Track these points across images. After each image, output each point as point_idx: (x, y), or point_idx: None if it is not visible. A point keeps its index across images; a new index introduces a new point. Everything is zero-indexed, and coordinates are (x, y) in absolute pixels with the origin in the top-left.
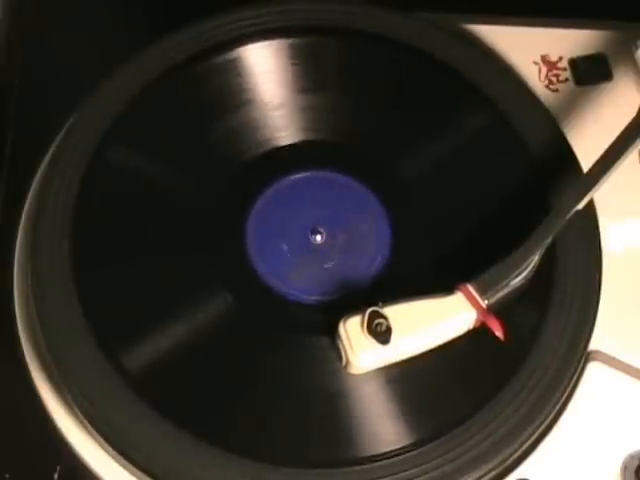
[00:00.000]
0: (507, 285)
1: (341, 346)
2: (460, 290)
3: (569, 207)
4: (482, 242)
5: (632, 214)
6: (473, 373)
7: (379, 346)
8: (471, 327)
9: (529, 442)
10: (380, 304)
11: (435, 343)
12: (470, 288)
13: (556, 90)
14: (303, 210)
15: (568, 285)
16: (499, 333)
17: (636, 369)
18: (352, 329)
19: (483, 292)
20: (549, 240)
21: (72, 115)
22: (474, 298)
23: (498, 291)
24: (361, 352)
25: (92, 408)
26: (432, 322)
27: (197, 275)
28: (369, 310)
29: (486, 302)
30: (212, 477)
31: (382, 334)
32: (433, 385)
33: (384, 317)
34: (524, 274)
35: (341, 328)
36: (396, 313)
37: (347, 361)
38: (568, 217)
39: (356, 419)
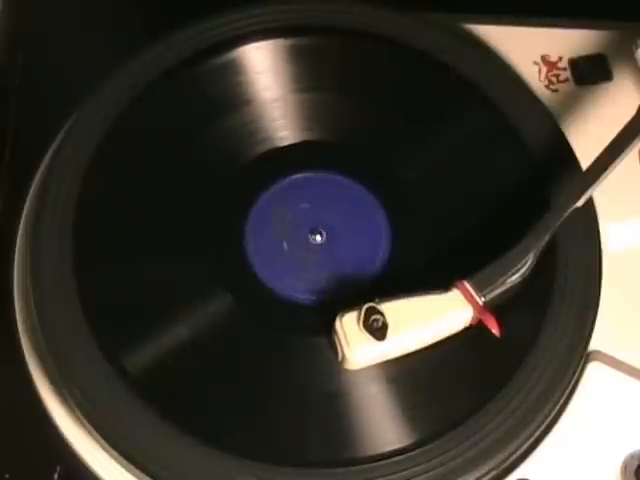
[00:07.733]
0: (504, 282)
1: (337, 341)
2: (457, 287)
3: (567, 205)
4: (482, 241)
5: (632, 214)
6: (473, 373)
7: (375, 342)
8: (468, 324)
9: (529, 442)
10: (377, 300)
11: (431, 340)
12: (467, 285)
13: (556, 90)
14: (303, 210)
15: (568, 285)
16: (495, 330)
17: (636, 369)
18: (348, 325)
19: (480, 289)
20: (547, 238)
21: (72, 115)
22: (471, 295)
23: (495, 288)
24: (357, 348)
25: (92, 408)
26: (428, 319)
27: (197, 276)
28: (365, 306)
29: (483, 299)
30: (212, 477)
31: (378, 330)
32: (433, 385)
33: (380, 313)
34: (521, 271)
35: (337, 323)
36: (392, 309)
37: (343, 356)
38: (566, 215)
39: (356, 419)
